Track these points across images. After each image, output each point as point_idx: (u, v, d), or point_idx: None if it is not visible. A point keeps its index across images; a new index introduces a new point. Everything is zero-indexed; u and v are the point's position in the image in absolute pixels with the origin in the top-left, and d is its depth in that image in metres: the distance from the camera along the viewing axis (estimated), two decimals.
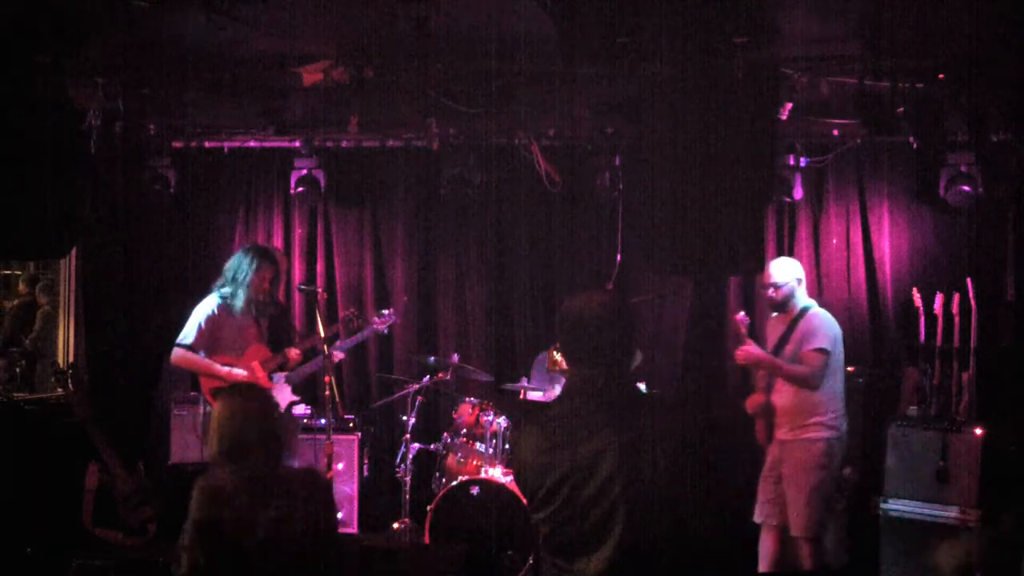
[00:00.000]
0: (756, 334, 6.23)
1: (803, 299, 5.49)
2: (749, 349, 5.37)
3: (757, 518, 5.50)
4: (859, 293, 6.84)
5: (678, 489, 2.55)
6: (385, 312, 6.37)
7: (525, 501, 5.60)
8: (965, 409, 5.88)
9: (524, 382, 6.65)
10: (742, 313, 5.60)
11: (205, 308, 5.68)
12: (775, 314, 5.56)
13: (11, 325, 8.03)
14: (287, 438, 6.06)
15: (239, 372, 5.64)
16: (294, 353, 5.82)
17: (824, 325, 5.37)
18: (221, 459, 3.49)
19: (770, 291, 5.47)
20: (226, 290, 5.69)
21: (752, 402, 5.53)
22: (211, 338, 5.66)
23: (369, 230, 7.54)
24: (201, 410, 5.94)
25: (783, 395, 5.40)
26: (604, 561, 2.55)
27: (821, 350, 5.28)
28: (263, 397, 3.75)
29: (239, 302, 5.66)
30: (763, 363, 5.40)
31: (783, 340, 5.44)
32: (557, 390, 6.46)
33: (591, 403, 2.67)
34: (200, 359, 5.63)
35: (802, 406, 5.30)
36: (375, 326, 6.28)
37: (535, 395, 6.48)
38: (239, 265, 5.69)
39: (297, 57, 5.52)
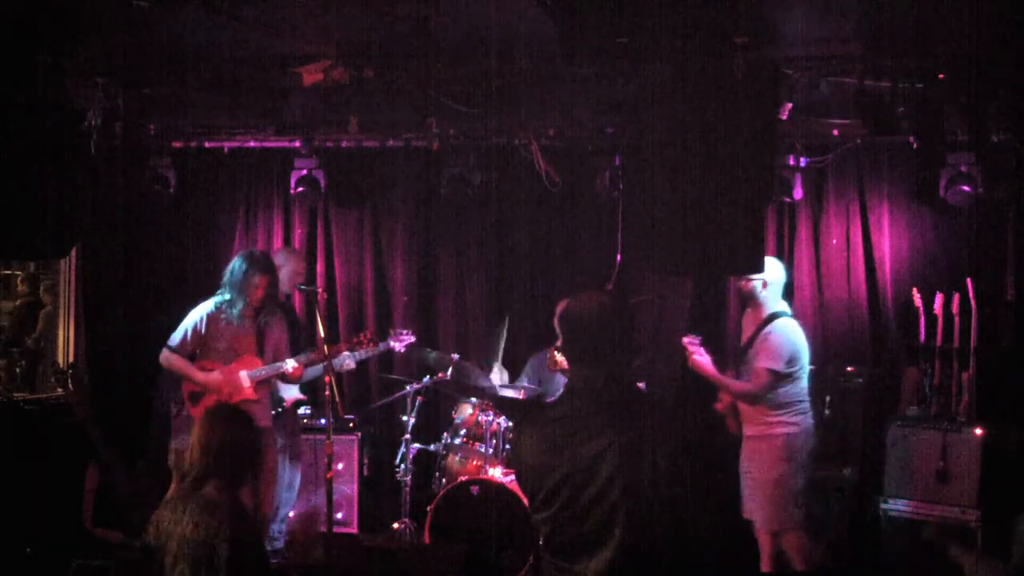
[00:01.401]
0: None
1: (773, 303, 5.48)
2: (700, 362, 5.38)
3: (744, 514, 5.52)
4: (859, 293, 6.84)
5: (678, 489, 2.56)
6: (404, 332, 6.30)
7: (525, 501, 5.62)
8: (965, 409, 5.88)
9: (524, 381, 6.65)
10: (689, 336, 5.56)
11: (197, 313, 5.68)
12: (749, 310, 5.59)
13: (12, 325, 8.02)
14: (290, 439, 6.09)
15: (215, 377, 5.60)
16: (292, 368, 5.72)
17: (782, 341, 5.34)
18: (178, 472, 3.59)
19: (741, 280, 5.52)
20: (224, 296, 5.66)
21: (721, 401, 5.57)
22: (200, 343, 5.65)
23: (369, 230, 7.54)
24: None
25: None
26: (605, 562, 2.55)
27: (770, 370, 5.28)
28: (235, 423, 3.72)
29: (235, 309, 5.64)
30: (711, 378, 5.44)
31: (750, 342, 5.48)
32: (555, 390, 6.48)
33: (591, 404, 2.67)
34: (180, 362, 5.65)
35: (762, 410, 5.33)
36: (392, 344, 6.23)
37: (509, 392, 6.48)
38: (233, 271, 5.66)
39: (297, 57, 5.52)
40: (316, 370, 5.95)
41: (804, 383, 5.43)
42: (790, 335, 5.39)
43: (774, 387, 5.28)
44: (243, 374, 5.63)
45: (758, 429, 5.35)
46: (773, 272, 5.47)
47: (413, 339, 6.29)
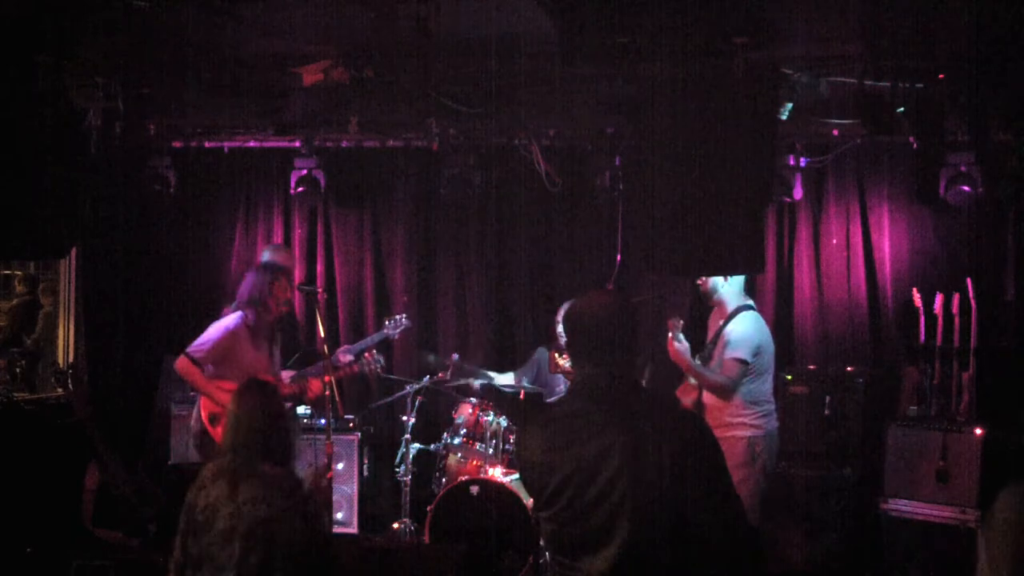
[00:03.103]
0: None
1: (736, 299, 5.56)
2: (677, 349, 5.38)
3: None
4: (859, 293, 6.84)
5: (682, 488, 2.56)
6: (397, 317, 6.27)
7: (528, 500, 5.62)
8: (965, 409, 5.89)
9: (525, 376, 6.65)
10: (675, 318, 5.56)
11: (225, 326, 5.51)
12: (715, 309, 5.67)
13: (11, 325, 8.03)
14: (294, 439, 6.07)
15: None
16: (317, 386, 5.64)
17: (749, 333, 5.42)
18: (221, 449, 3.57)
19: (698, 279, 5.62)
20: (247, 312, 5.53)
21: (685, 402, 5.59)
22: (223, 358, 5.49)
23: (369, 230, 7.54)
24: (197, 426, 5.72)
25: (710, 394, 5.48)
26: (608, 560, 2.55)
27: (739, 360, 5.34)
28: (276, 396, 3.76)
29: (257, 326, 5.52)
30: (684, 366, 5.46)
31: (716, 337, 5.54)
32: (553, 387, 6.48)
33: (595, 402, 2.68)
34: (202, 378, 5.45)
35: (726, 406, 5.37)
36: (387, 333, 6.20)
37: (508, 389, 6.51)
38: (257, 285, 5.54)
39: (297, 57, 5.51)
40: (314, 370, 5.96)
41: (770, 382, 5.51)
42: (755, 326, 5.48)
43: (739, 380, 5.33)
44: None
45: (721, 431, 5.35)
46: None
47: (408, 323, 6.27)
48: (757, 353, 5.37)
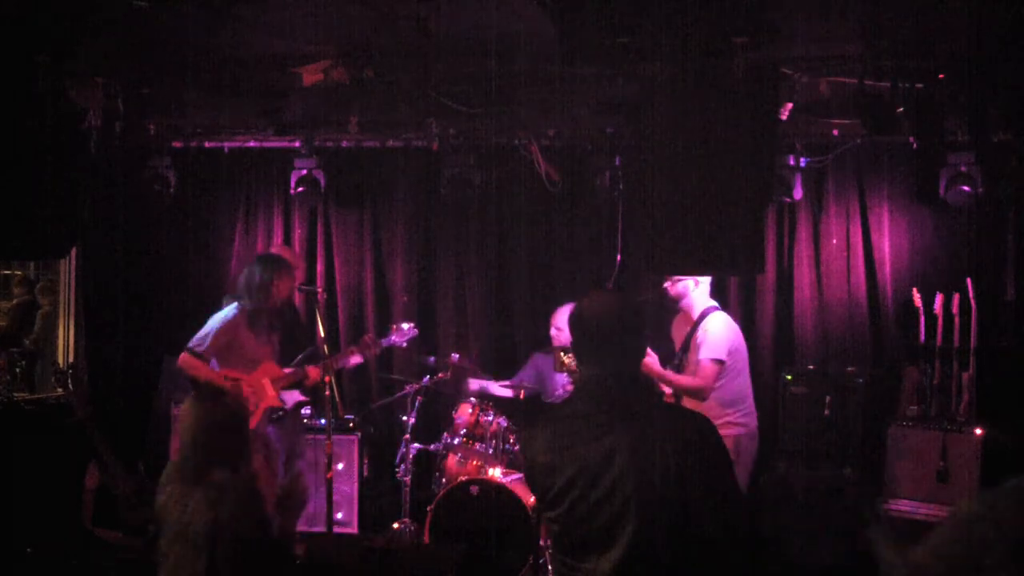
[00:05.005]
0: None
1: (703, 302, 5.56)
2: (646, 362, 5.37)
3: None
4: (859, 293, 6.84)
5: (688, 489, 2.56)
6: (405, 326, 6.26)
7: (528, 500, 5.62)
8: (965, 409, 5.89)
9: (523, 379, 6.64)
10: None
11: (223, 318, 5.55)
12: (680, 315, 5.66)
13: (11, 325, 8.04)
14: (292, 440, 6.08)
15: (242, 387, 5.52)
16: (315, 373, 5.67)
17: (721, 333, 5.42)
18: (179, 456, 3.62)
19: (667, 283, 5.59)
20: (245, 302, 5.56)
21: None
22: (225, 349, 5.53)
23: (369, 230, 7.54)
24: None
25: (687, 400, 5.44)
26: (613, 561, 2.55)
27: (715, 360, 5.34)
28: (229, 408, 3.79)
29: (256, 316, 5.55)
30: (657, 377, 5.44)
31: (687, 342, 5.52)
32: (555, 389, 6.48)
33: (601, 403, 2.67)
34: (206, 369, 5.48)
35: (711, 407, 5.33)
36: (393, 339, 6.19)
37: (506, 392, 6.50)
38: (256, 276, 5.56)
39: (297, 57, 5.51)
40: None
41: (747, 380, 5.50)
42: (726, 326, 5.48)
43: (715, 381, 5.33)
44: (266, 382, 5.59)
45: None
46: None
47: (415, 332, 6.26)
48: (732, 352, 5.39)
